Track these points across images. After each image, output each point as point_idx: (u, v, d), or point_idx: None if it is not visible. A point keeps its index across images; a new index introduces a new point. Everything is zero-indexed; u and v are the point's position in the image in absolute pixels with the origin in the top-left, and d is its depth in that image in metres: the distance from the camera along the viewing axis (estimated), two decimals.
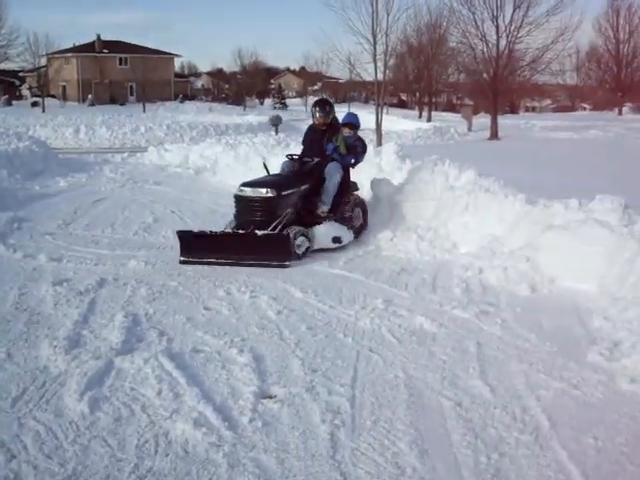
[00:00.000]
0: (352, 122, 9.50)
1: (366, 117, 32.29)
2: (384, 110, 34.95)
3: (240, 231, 8.24)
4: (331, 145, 9.12)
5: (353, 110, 51.99)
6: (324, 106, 9.48)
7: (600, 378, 4.93)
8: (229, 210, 10.53)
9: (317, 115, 9.38)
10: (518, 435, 4.08)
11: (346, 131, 9.32)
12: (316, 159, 9.13)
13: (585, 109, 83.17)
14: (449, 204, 9.01)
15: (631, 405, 4.52)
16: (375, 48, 28.19)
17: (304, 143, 9.65)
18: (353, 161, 9.37)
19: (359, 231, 9.43)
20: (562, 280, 7.14)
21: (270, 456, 3.79)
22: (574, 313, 6.38)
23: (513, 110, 77.47)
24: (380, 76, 29.62)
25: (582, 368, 5.09)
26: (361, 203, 9.69)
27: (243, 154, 16.35)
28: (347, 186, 9.35)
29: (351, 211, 9.34)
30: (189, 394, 4.48)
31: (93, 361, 5.00)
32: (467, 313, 6.25)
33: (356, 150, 9.31)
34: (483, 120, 42.62)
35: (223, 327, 5.84)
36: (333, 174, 8.98)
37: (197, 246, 8.09)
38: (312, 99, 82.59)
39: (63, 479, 3.53)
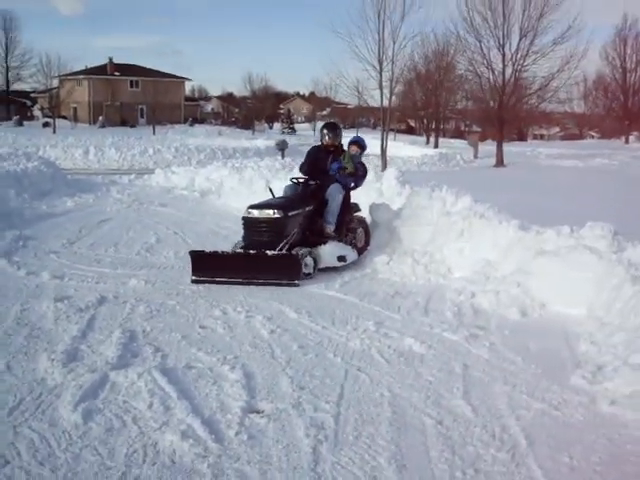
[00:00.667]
0: (359, 142, 9.89)
1: (372, 142, 32.63)
2: (391, 136, 35.28)
3: (251, 251, 8.44)
4: (336, 164, 9.42)
5: (361, 135, 52.54)
6: (334, 129, 9.97)
7: (581, 400, 5.05)
8: (231, 233, 10.80)
9: (327, 136, 9.78)
10: (495, 452, 4.21)
11: (353, 149, 9.66)
12: (317, 182, 9.40)
13: (593, 137, 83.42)
14: (445, 229, 9.18)
15: (609, 427, 4.64)
16: (381, 75, 28.58)
17: (308, 159, 9.87)
18: (353, 185, 9.62)
19: (362, 250, 9.69)
20: (552, 305, 7.29)
21: (253, 467, 3.94)
22: (562, 337, 6.51)
23: (521, 138, 77.87)
24: (386, 102, 29.93)
25: (564, 390, 5.22)
26: (363, 223, 10.00)
27: (248, 178, 16.61)
28: (348, 207, 9.61)
29: (354, 231, 9.62)
30: (179, 407, 4.64)
31: (89, 374, 5.17)
32: (456, 336, 6.40)
33: (357, 173, 9.55)
34: (490, 147, 42.84)
35: (217, 345, 6.00)
36: (335, 195, 9.25)
37: (209, 266, 8.30)
38: (321, 124, 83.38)
39: None
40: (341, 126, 10.87)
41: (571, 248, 7.54)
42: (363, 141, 10.01)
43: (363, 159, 9.98)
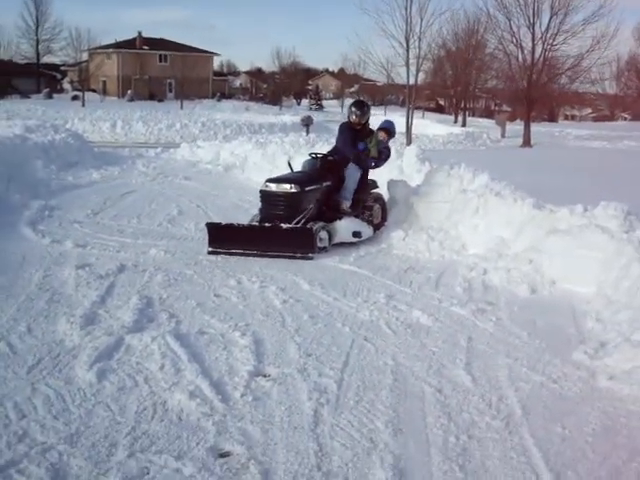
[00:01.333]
0: (388, 128, 9.77)
1: (399, 119, 32.61)
2: (420, 114, 35.21)
3: (266, 224, 8.62)
4: (362, 145, 9.48)
5: (389, 113, 52.04)
6: (362, 107, 9.88)
7: (581, 374, 5.18)
8: (252, 206, 10.95)
9: (354, 115, 9.75)
10: (490, 420, 4.37)
11: (381, 135, 9.62)
12: (337, 158, 9.52)
13: (625, 119, 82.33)
14: (461, 207, 9.28)
15: (605, 400, 4.77)
16: (408, 52, 28.56)
17: (342, 137, 9.87)
18: (373, 164, 9.72)
19: (378, 226, 9.83)
20: (562, 282, 7.39)
21: (256, 426, 4.14)
22: (569, 314, 6.63)
23: (552, 118, 77.06)
24: (412, 80, 29.87)
25: (565, 364, 5.35)
26: (380, 200, 10.11)
27: (271, 153, 16.73)
28: (366, 185, 9.73)
29: (370, 208, 9.74)
30: (189, 370, 4.85)
31: (105, 337, 5.40)
32: (464, 310, 6.53)
33: (380, 156, 9.64)
34: (518, 127, 42.58)
35: (230, 313, 6.20)
36: (352, 173, 9.37)
37: (225, 237, 8.50)
38: (349, 101, 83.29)
39: (66, 436, 3.92)
40: (369, 104, 10.83)
41: (583, 227, 7.62)
42: (393, 127, 9.92)
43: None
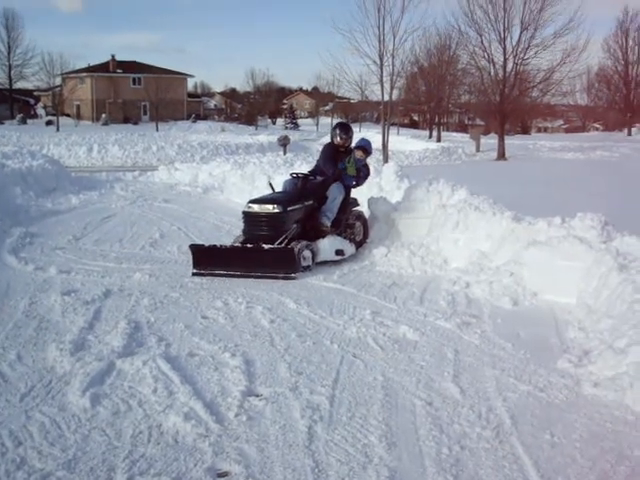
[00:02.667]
0: (365, 147, 9.89)
1: (375, 137, 32.86)
2: (394, 130, 35.47)
3: (248, 245, 8.68)
4: (341, 164, 9.63)
5: (364, 130, 52.30)
6: (347, 131, 10.08)
7: (566, 382, 5.30)
8: (233, 227, 11.04)
9: (339, 137, 9.95)
10: (480, 431, 4.46)
11: (358, 154, 9.75)
12: (319, 178, 9.63)
13: (597, 129, 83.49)
14: (441, 221, 9.41)
15: (591, 407, 4.89)
16: (382, 70, 28.82)
17: (323, 156, 10.00)
18: (354, 183, 9.85)
19: (360, 244, 9.96)
20: (543, 294, 7.54)
21: (251, 446, 4.19)
22: (552, 324, 6.77)
23: (525, 130, 77.98)
24: (387, 97, 30.15)
25: (551, 373, 5.47)
26: (362, 217, 10.22)
27: (250, 173, 16.83)
28: (347, 204, 9.83)
29: (352, 226, 9.86)
30: (182, 392, 4.90)
31: (96, 362, 5.42)
32: (449, 323, 6.65)
33: (359, 174, 9.77)
34: (492, 141, 43.05)
35: (218, 334, 6.26)
36: (336, 194, 9.49)
37: (209, 259, 8.56)
38: (323, 119, 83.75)
39: (64, 462, 3.95)
40: (344, 121, 11.00)
41: (562, 238, 7.77)
42: (369, 146, 10.05)
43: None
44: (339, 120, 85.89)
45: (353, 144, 10.08)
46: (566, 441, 4.37)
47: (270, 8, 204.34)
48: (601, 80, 71.53)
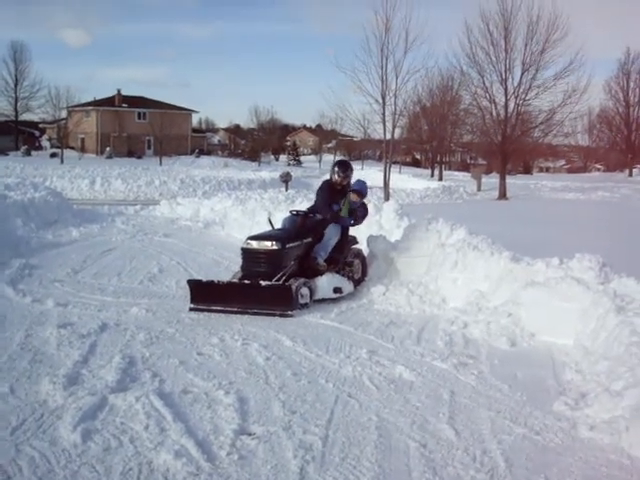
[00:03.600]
0: (360, 190, 9.91)
1: (376, 175, 32.97)
2: (397, 169, 35.65)
3: (246, 281, 8.68)
4: (336, 206, 9.66)
5: (366, 168, 52.66)
6: (346, 169, 10.08)
7: (562, 425, 5.26)
8: (232, 263, 11.03)
9: (337, 175, 9.97)
10: (474, 474, 4.41)
11: (353, 197, 9.78)
12: (318, 216, 9.66)
13: (599, 170, 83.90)
14: (440, 260, 9.41)
15: (587, 450, 4.84)
16: (384, 109, 29.05)
17: (320, 196, 10.04)
18: (352, 222, 9.86)
19: (359, 282, 9.93)
20: (541, 335, 7.51)
21: None
22: (549, 366, 6.72)
23: (527, 170, 78.43)
24: (389, 136, 30.33)
25: (547, 416, 5.42)
26: (360, 255, 10.21)
27: (250, 209, 16.87)
28: (345, 242, 9.85)
29: (351, 264, 9.85)
30: (174, 429, 4.85)
31: (89, 397, 5.39)
32: (446, 364, 6.60)
33: (357, 214, 9.80)
34: (494, 180, 43.24)
35: (213, 371, 6.22)
36: (332, 234, 9.53)
37: (206, 295, 8.55)
38: (326, 156, 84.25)
39: None
40: (347, 158, 11.06)
41: (559, 279, 7.77)
42: (365, 189, 10.04)
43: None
44: (341, 157, 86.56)
45: (353, 180, 10.11)
46: None
47: (275, 46, 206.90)
48: (602, 121, 72.08)
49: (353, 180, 10.14)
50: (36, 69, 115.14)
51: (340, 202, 9.71)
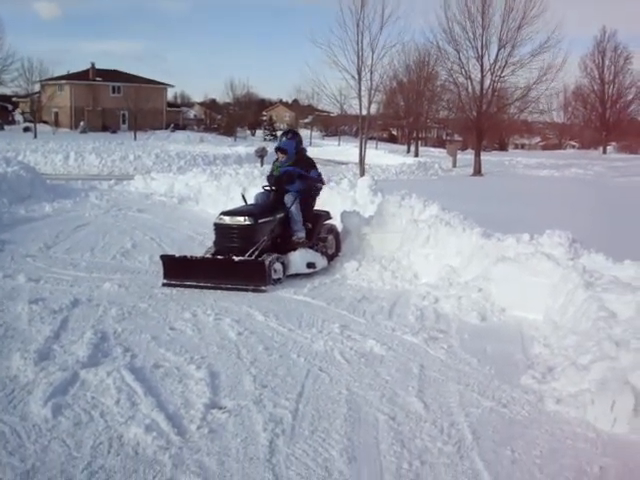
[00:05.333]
0: (280, 147, 9.85)
1: (352, 150, 32.98)
2: (373, 144, 35.65)
3: (218, 257, 8.68)
4: (269, 174, 9.87)
5: (343, 143, 52.61)
6: (282, 137, 10.19)
7: (529, 399, 5.35)
8: (207, 238, 11.00)
9: (275, 151, 10.02)
10: (442, 446, 4.49)
11: (280, 157, 9.81)
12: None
13: (573, 147, 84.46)
14: (412, 236, 9.46)
15: (552, 423, 4.94)
16: (360, 84, 28.98)
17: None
18: (316, 175, 9.73)
19: (332, 257, 9.96)
20: (511, 309, 7.61)
21: (212, 458, 4.19)
22: (518, 340, 6.82)
23: (502, 147, 78.70)
24: (364, 111, 30.30)
25: (514, 389, 5.51)
26: (334, 231, 10.25)
27: (225, 185, 16.83)
28: (311, 212, 9.87)
29: (324, 239, 9.88)
30: (145, 403, 4.88)
31: (60, 372, 5.38)
32: (417, 338, 6.68)
33: (297, 175, 9.63)
34: (469, 157, 43.35)
35: (185, 346, 6.23)
36: (289, 202, 9.47)
37: (179, 270, 8.54)
38: (303, 132, 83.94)
39: (22, 473, 3.92)
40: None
41: (530, 255, 7.85)
42: (286, 144, 9.84)
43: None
44: (321, 133, 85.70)
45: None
46: (526, 457, 4.40)
47: (251, 20, 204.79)
48: (578, 98, 72.44)
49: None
50: (9, 42, 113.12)
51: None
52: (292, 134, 10.18)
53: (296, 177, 9.59)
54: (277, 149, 9.88)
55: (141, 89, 72.90)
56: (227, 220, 8.96)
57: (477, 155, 37.21)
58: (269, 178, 9.86)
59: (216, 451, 4.28)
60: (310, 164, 9.86)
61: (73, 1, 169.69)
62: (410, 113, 57.53)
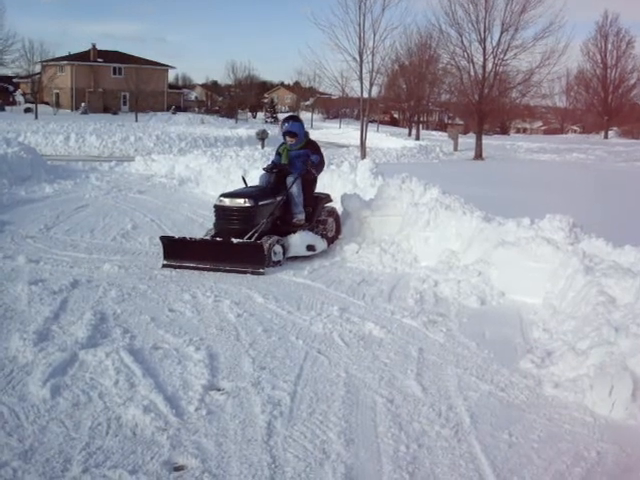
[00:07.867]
0: (290, 130, 9.77)
1: (353, 133, 32.90)
2: (374, 127, 35.55)
3: (218, 239, 8.67)
4: (276, 158, 9.80)
5: (344, 126, 52.47)
6: (285, 122, 10.04)
7: (528, 383, 5.35)
8: (207, 220, 11.00)
9: (282, 135, 10.00)
10: (439, 429, 4.49)
11: (289, 140, 9.77)
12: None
13: (575, 132, 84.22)
14: (413, 219, 9.45)
15: (550, 407, 4.94)
16: (361, 67, 28.85)
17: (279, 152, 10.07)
18: (306, 168, 9.62)
19: (332, 240, 9.96)
20: (510, 293, 7.61)
21: (210, 440, 4.19)
22: (517, 324, 6.82)
23: (504, 131, 78.50)
24: (366, 94, 30.18)
25: (513, 373, 5.51)
26: (334, 214, 10.23)
27: (226, 167, 16.81)
28: (312, 194, 9.86)
29: (324, 222, 9.86)
30: (143, 385, 4.88)
31: (59, 353, 5.39)
32: (416, 322, 6.68)
33: (307, 159, 9.61)
34: (470, 140, 43.26)
35: (184, 327, 6.24)
36: (289, 183, 9.44)
37: (179, 251, 8.55)
38: (304, 114, 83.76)
39: (20, 453, 3.92)
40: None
41: (530, 239, 7.84)
42: (295, 127, 9.80)
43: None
44: (322, 115, 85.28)
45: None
46: (524, 441, 4.40)
47: (253, 2, 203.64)
48: (580, 83, 72.18)
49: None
50: (10, 22, 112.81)
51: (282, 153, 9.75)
52: (296, 119, 10.15)
53: (312, 161, 9.57)
54: (286, 133, 9.77)
55: (142, 70, 72.67)
56: (227, 202, 8.94)
57: (478, 139, 37.09)
58: (275, 164, 9.76)
59: (214, 432, 4.28)
60: (316, 148, 9.86)
61: None
62: (412, 96, 57.27)
